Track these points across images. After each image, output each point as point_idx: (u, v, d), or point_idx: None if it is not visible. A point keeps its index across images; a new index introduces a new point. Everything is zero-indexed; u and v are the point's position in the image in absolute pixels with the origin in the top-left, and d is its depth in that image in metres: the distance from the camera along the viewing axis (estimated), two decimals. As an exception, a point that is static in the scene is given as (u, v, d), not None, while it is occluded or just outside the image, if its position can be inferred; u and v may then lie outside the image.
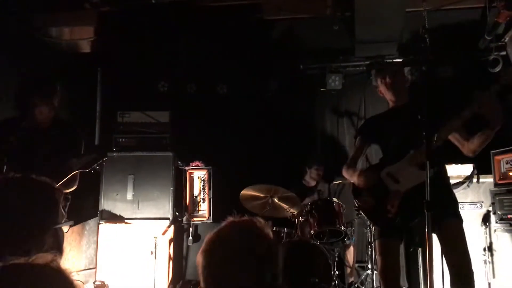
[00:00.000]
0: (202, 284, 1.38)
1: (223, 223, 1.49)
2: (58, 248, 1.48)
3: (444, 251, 2.73)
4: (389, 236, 2.91)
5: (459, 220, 2.81)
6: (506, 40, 5.10)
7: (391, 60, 5.66)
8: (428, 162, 2.23)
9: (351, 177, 3.08)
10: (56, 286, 0.97)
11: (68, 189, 2.97)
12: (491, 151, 4.32)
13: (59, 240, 1.49)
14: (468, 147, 2.76)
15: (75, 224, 4.73)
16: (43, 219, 1.45)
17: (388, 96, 3.09)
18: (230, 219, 1.50)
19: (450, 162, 3.37)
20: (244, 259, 1.37)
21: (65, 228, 1.54)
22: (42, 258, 1.01)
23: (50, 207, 1.50)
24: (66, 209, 3.12)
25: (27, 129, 2.95)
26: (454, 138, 2.81)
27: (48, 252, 1.40)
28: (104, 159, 3.82)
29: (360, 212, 3.27)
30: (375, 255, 4.53)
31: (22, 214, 1.40)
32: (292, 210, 4.48)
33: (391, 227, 2.86)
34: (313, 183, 5.40)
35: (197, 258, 1.42)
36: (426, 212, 2.16)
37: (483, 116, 2.50)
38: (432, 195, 2.22)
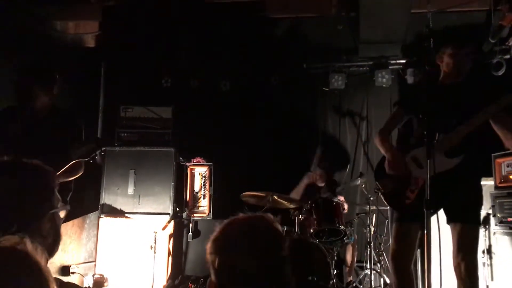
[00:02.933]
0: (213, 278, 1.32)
1: (232, 219, 1.41)
2: (55, 234, 1.43)
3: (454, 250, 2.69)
4: (406, 221, 2.82)
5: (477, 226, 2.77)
6: (510, 44, 5.10)
7: (394, 61, 5.70)
8: (429, 161, 2.23)
9: (381, 147, 2.97)
10: (21, 269, 0.93)
11: (73, 176, 2.95)
12: (493, 154, 4.31)
13: (56, 226, 1.44)
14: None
15: (75, 217, 4.75)
16: (38, 204, 1.36)
17: (449, 68, 2.94)
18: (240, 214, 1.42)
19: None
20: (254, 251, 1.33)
21: (62, 214, 1.46)
22: (9, 240, 0.97)
23: (44, 190, 1.40)
24: (68, 198, 3.13)
25: (27, 118, 2.96)
26: (498, 128, 2.78)
27: (46, 237, 1.37)
28: (103, 149, 3.78)
29: (380, 195, 3.08)
30: (374, 255, 4.57)
31: (14, 199, 1.31)
32: (291, 205, 4.53)
33: (410, 212, 2.76)
34: (321, 184, 5.31)
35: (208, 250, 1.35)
36: (425, 211, 2.16)
37: None
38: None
